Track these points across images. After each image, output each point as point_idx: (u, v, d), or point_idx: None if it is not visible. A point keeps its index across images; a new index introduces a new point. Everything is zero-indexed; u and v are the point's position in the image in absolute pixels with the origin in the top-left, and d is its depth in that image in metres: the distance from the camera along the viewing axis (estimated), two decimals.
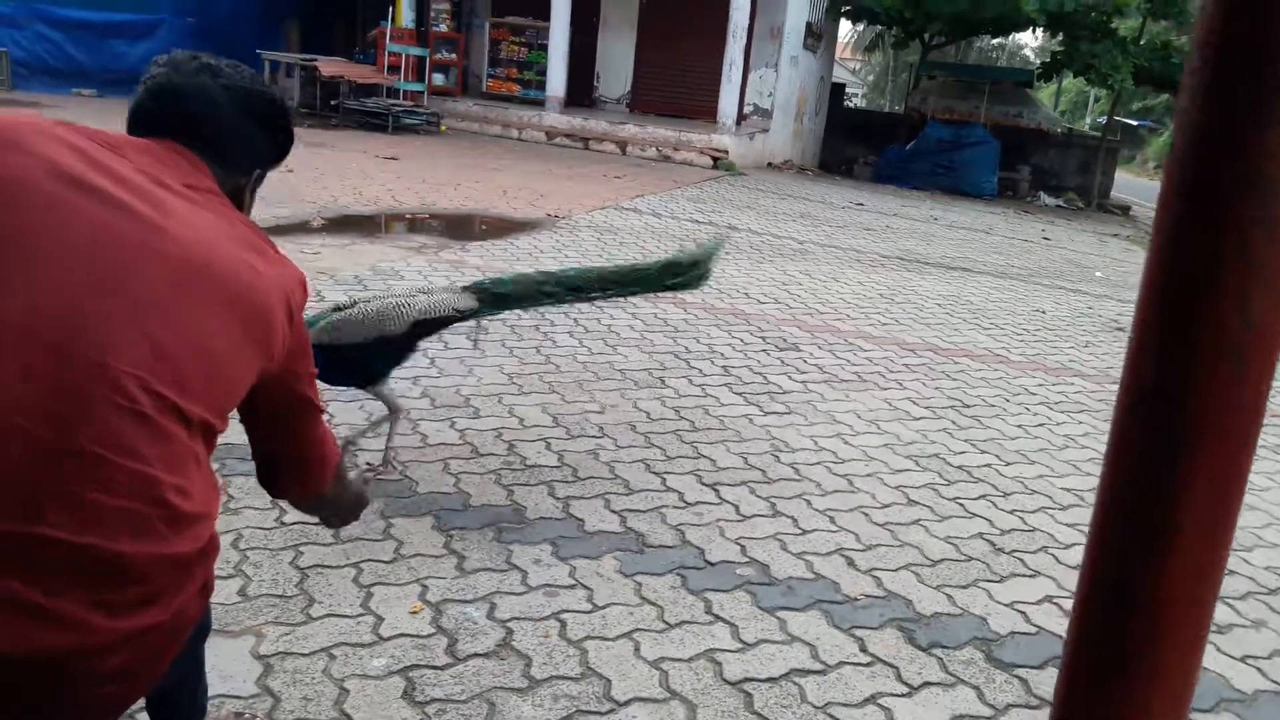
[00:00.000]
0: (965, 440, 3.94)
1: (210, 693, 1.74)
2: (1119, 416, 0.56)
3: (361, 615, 2.28)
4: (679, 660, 2.23)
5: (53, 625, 0.98)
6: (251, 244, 1.29)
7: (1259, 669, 2.53)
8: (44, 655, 0.98)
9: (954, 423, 4.14)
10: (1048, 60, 18.43)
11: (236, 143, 1.41)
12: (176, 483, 1.08)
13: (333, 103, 13.56)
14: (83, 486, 1.00)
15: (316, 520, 1.72)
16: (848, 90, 25.80)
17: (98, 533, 1.01)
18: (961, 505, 3.29)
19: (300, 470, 1.47)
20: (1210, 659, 2.53)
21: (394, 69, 14.17)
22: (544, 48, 14.92)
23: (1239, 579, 3.00)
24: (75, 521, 0.99)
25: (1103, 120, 22.01)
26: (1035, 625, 2.58)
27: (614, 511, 2.93)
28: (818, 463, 3.51)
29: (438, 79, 15.32)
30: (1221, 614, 2.75)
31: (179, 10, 13.81)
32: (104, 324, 1.05)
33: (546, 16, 14.45)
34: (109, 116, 10.27)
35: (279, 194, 7.44)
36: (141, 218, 1.14)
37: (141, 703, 1.61)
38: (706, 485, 3.20)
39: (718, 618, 2.42)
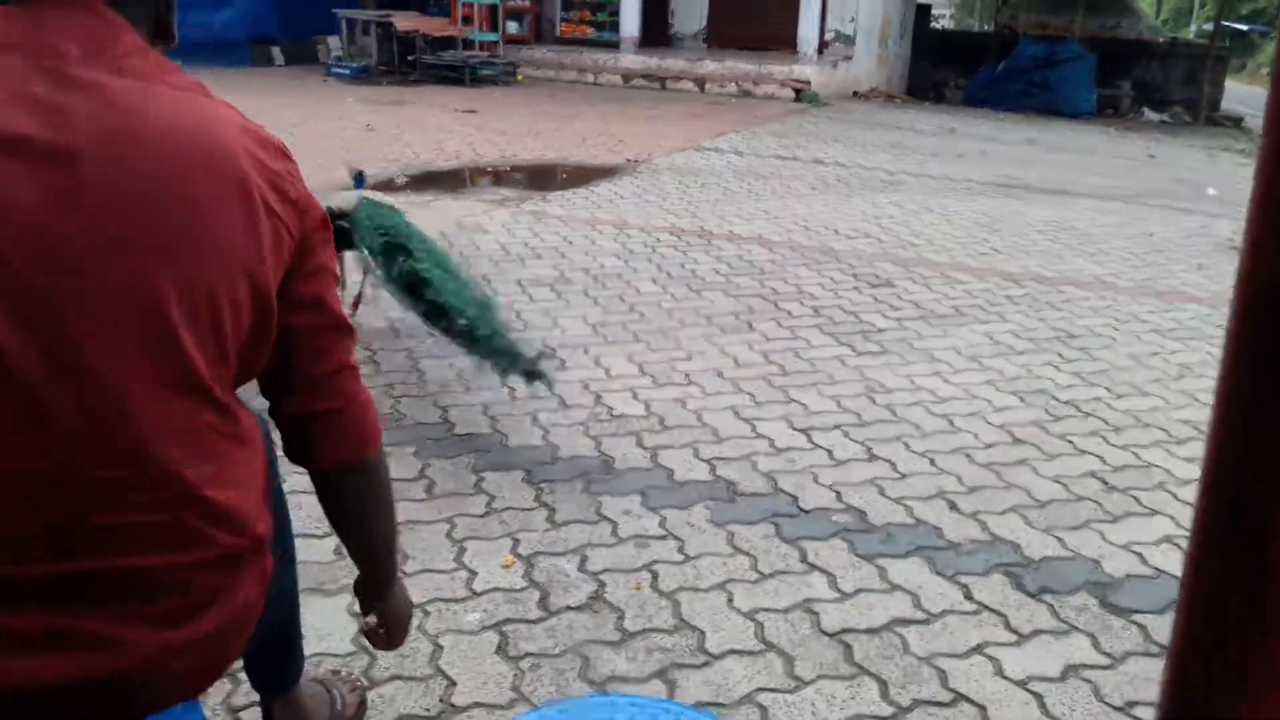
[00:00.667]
0: (1073, 373, 3.77)
1: (307, 651, 1.75)
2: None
3: (455, 570, 2.28)
4: (774, 611, 2.18)
5: (110, 649, 0.98)
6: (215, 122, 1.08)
7: None
8: (108, 677, 0.98)
9: (1060, 355, 3.96)
10: None
11: None
12: (209, 474, 1.03)
13: (410, 58, 13.60)
14: (104, 512, 0.97)
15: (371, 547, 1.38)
16: (934, 10, 24.83)
17: (132, 553, 0.98)
18: (1070, 442, 3.15)
19: (341, 418, 1.21)
20: None
21: (467, 20, 14.12)
22: None
23: None
24: (106, 549, 0.97)
25: (1209, 27, 20.75)
26: (1153, 567, 2.46)
27: (703, 460, 2.88)
28: (916, 403, 3.39)
29: (512, 27, 15.24)
30: None
31: None
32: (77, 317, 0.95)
33: None
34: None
35: (362, 153, 7.50)
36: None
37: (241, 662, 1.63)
38: (798, 430, 3.12)
39: (814, 567, 2.36)
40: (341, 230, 3.27)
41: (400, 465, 2.75)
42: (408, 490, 2.62)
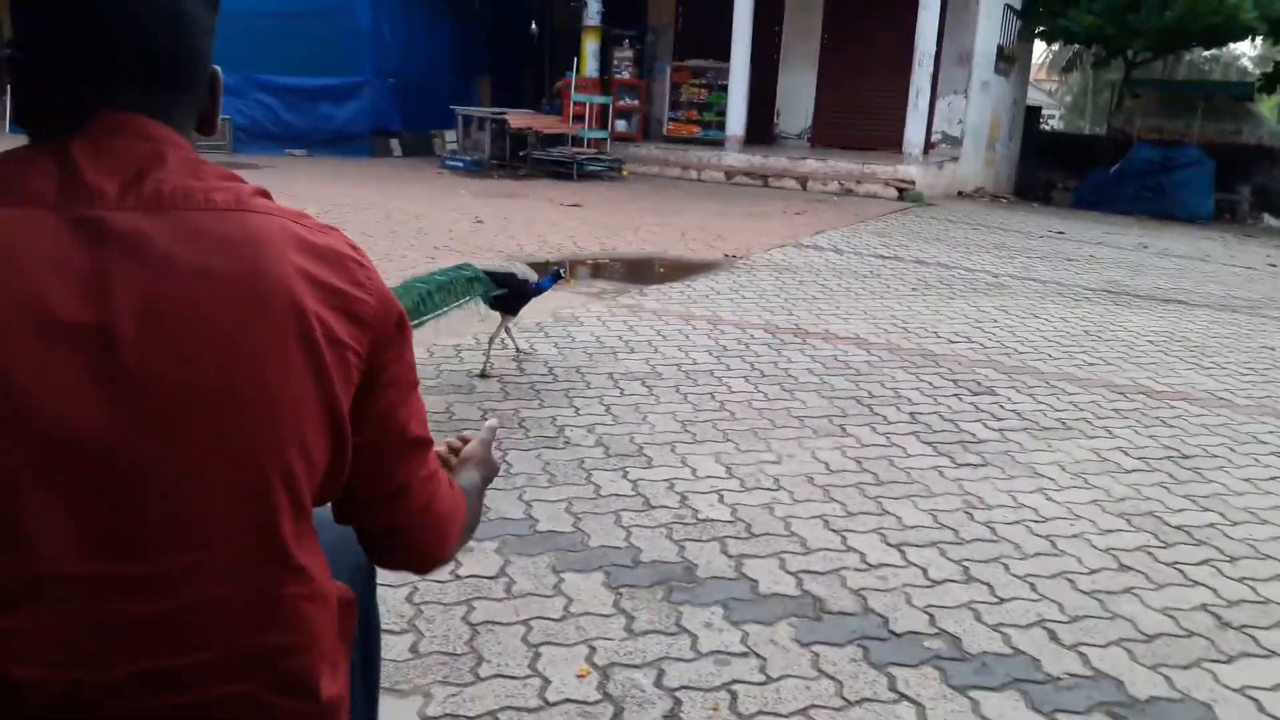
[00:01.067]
0: (1184, 496, 3.56)
1: None
2: None
3: (529, 677, 2.24)
4: None
5: None
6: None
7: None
8: None
9: (1171, 475, 3.76)
10: (1269, 70, 17.02)
11: (191, 54, 1.02)
12: (286, 643, 1.00)
13: (521, 153, 14.08)
14: (181, 691, 0.97)
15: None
16: (1044, 113, 24.65)
17: None
18: (1181, 571, 2.96)
19: (407, 537, 1.17)
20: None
21: (579, 118, 14.58)
22: (724, 88, 14.98)
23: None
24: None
25: None
26: (1270, 715, 2.26)
27: (789, 572, 2.80)
28: (1017, 521, 3.25)
29: (620, 125, 15.66)
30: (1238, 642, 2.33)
31: (380, 72, 14.70)
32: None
33: (727, 57, 14.52)
34: (316, 172, 10.98)
35: (468, 245, 7.73)
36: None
37: None
38: (891, 545, 3.01)
39: (903, 696, 2.24)
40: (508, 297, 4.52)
41: (481, 561, 2.74)
42: (487, 589, 2.60)
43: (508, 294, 4.52)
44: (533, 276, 4.64)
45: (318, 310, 0.97)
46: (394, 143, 15.14)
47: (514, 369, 4.56)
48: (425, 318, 4.07)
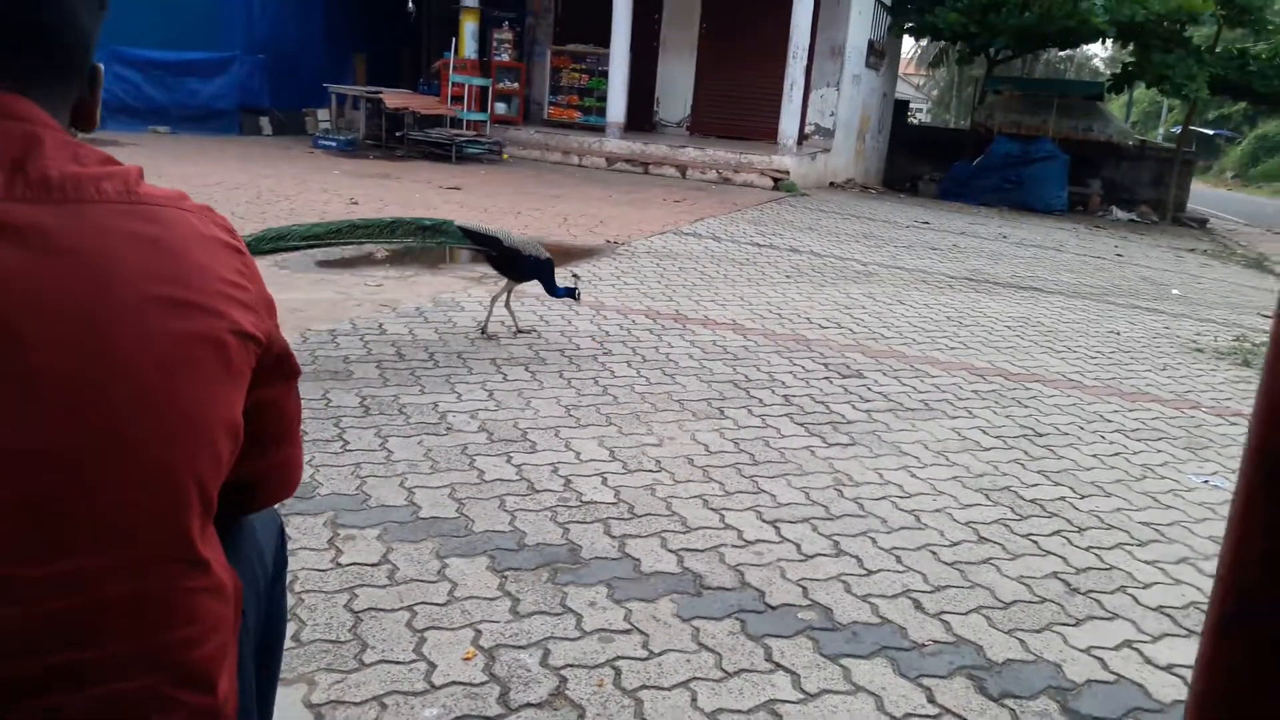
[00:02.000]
0: (1038, 472, 3.79)
1: None
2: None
3: (414, 661, 2.24)
4: (738, 712, 2.15)
5: None
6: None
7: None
8: None
9: (1026, 453, 3.99)
10: (1118, 71, 18.04)
11: (72, 35, 0.98)
12: (189, 635, 1.00)
13: (398, 134, 13.81)
14: (88, 687, 0.96)
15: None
16: (912, 107, 25.51)
17: None
18: (1035, 542, 3.15)
19: (281, 475, 1.25)
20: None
21: (457, 99, 14.38)
22: (604, 74, 15.02)
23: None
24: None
25: (1177, 130, 21.42)
26: (1113, 673, 2.45)
27: (671, 551, 2.87)
28: (883, 497, 3.40)
29: (500, 108, 15.52)
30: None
31: (250, 48, 14.21)
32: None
33: (607, 43, 14.55)
34: (182, 150, 10.52)
35: None
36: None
37: None
38: (766, 522, 3.11)
39: (779, 665, 2.34)
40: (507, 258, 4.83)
41: (363, 549, 2.71)
42: (369, 575, 2.59)
43: (497, 257, 4.85)
44: (532, 251, 4.85)
45: (224, 307, 0.98)
46: (264, 121, 14.64)
47: (392, 354, 4.51)
48: (330, 242, 4.57)
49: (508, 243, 4.84)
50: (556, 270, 5.00)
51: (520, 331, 5.04)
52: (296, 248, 4.45)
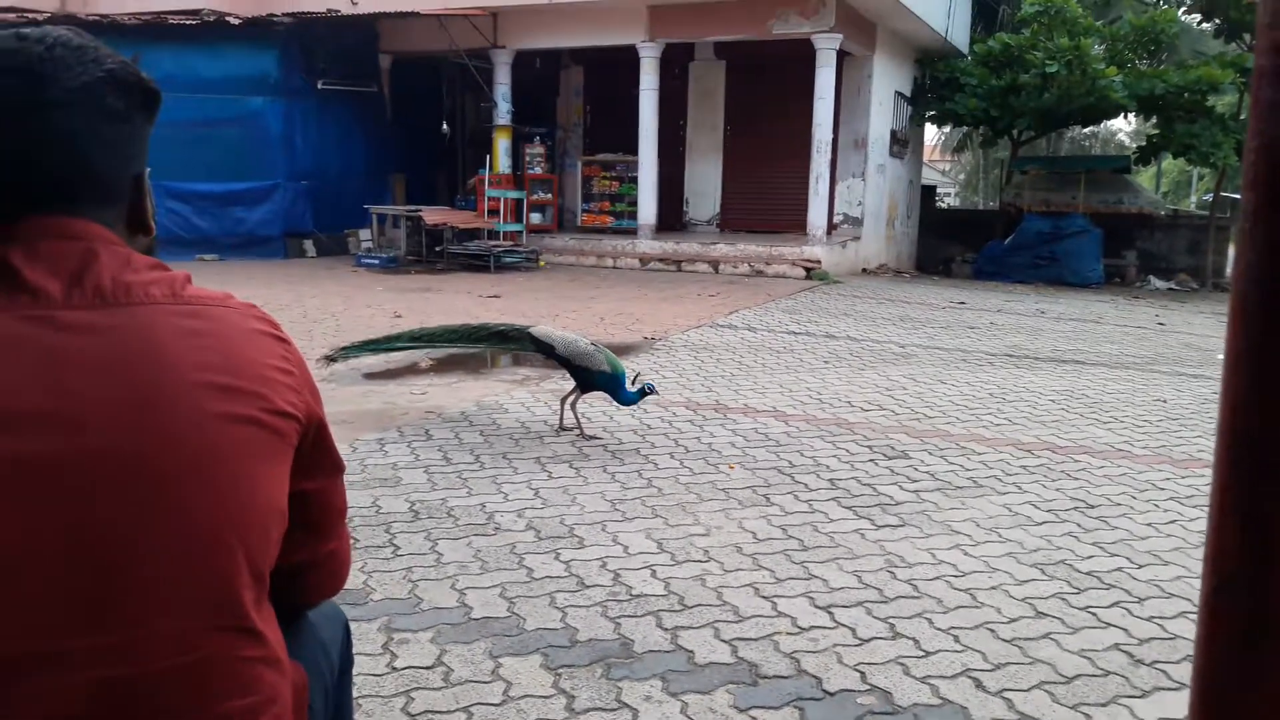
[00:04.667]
0: (1092, 544, 3.72)
1: None
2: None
3: None
4: None
5: None
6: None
7: None
8: None
9: (1079, 525, 3.92)
10: (1144, 144, 18.13)
11: (102, 159, 1.07)
12: (249, 705, 1.03)
13: (437, 249, 14.17)
14: None
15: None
16: (939, 191, 25.79)
17: None
18: (1094, 614, 3.08)
19: (330, 565, 1.30)
20: None
21: (493, 212, 14.77)
22: (634, 180, 15.37)
23: None
24: None
25: (1209, 198, 21.38)
26: None
27: (724, 641, 2.84)
28: (937, 577, 3.35)
29: (535, 218, 15.90)
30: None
31: (292, 175, 14.74)
32: None
33: (635, 151, 14.94)
34: (230, 275, 10.84)
35: None
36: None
37: None
38: (820, 608, 3.08)
39: None
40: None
41: (418, 652, 2.72)
42: (425, 678, 2.59)
43: (564, 363, 5.04)
44: (600, 364, 4.93)
45: (267, 391, 1.05)
46: (308, 243, 15.12)
47: (439, 458, 4.56)
48: (420, 346, 5.38)
49: (579, 360, 4.95)
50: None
51: (564, 429, 5.09)
52: (399, 349, 5.40)
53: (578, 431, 5.06)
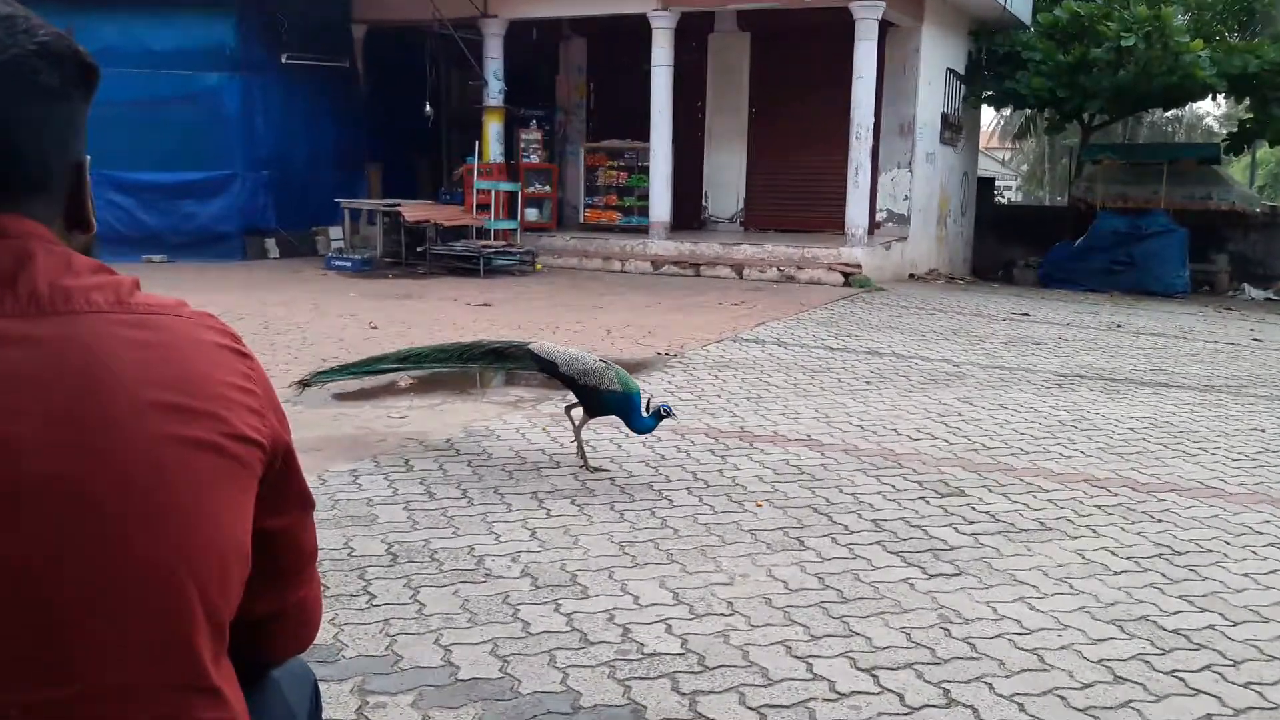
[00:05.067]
0: (1179, 596, 3.71)
1: None
2: None
3: None
4: None
5: None
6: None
7: None
8: None
9: (1164, 575, 3.91)
10: (1235, 130, 18.14)
11: (31, 144, 1.06)
12: None
13: (419, 249, 14.24)
14: None
15: None
16: (998, 184, 25.83)
17: None
18: (1181, 680, 3.07)
19: (298, 616, 1.32)
20: None
21: (483, 207, 14.84)
22: (645, 170, 15.44)
23: None
24: None
25: None
26: None
27: (751, 708, 2.83)
28: (999, 635, 3.34)
29: (531, 214, 15.97)
30: None
31: (252, 163, 14.85)
32: None
33: (646, 137, 14.99)
34: (181, 280, 10.84)
35: (362, 353, 7.74)
36: None
37: None
38: (862, 670, 3.07)
39: None
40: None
41: (397, 718, 2.72)
42: None
43: (568, 382, 5.03)
44: (610, 383, 4.92)
45: (226, 412, 1.05)
46: (270, 242, 15.21)
47: (420, 493, 4.58)
48: (393, 368, 5.58)
49: (585, 379, 4.95)
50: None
51: (591, 467, 5.05)
52: (384, 372, 5.53)
53: (580, 463, 5.07)
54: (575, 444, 5.10)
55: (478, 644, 3.16)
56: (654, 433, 5.19)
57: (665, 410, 4.94)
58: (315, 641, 1.49)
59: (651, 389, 6.89)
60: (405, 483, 4.72)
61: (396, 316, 9.79)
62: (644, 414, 4.93)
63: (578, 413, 5.10)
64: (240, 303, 10.14)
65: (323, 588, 1.38)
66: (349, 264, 14.00)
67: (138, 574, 0.99)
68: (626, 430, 5.13)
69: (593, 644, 3.19)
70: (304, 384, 5.42)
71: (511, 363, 5.33)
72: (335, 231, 15.28)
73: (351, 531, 4.08)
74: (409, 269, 14.00)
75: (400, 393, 6.68)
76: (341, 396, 6.53)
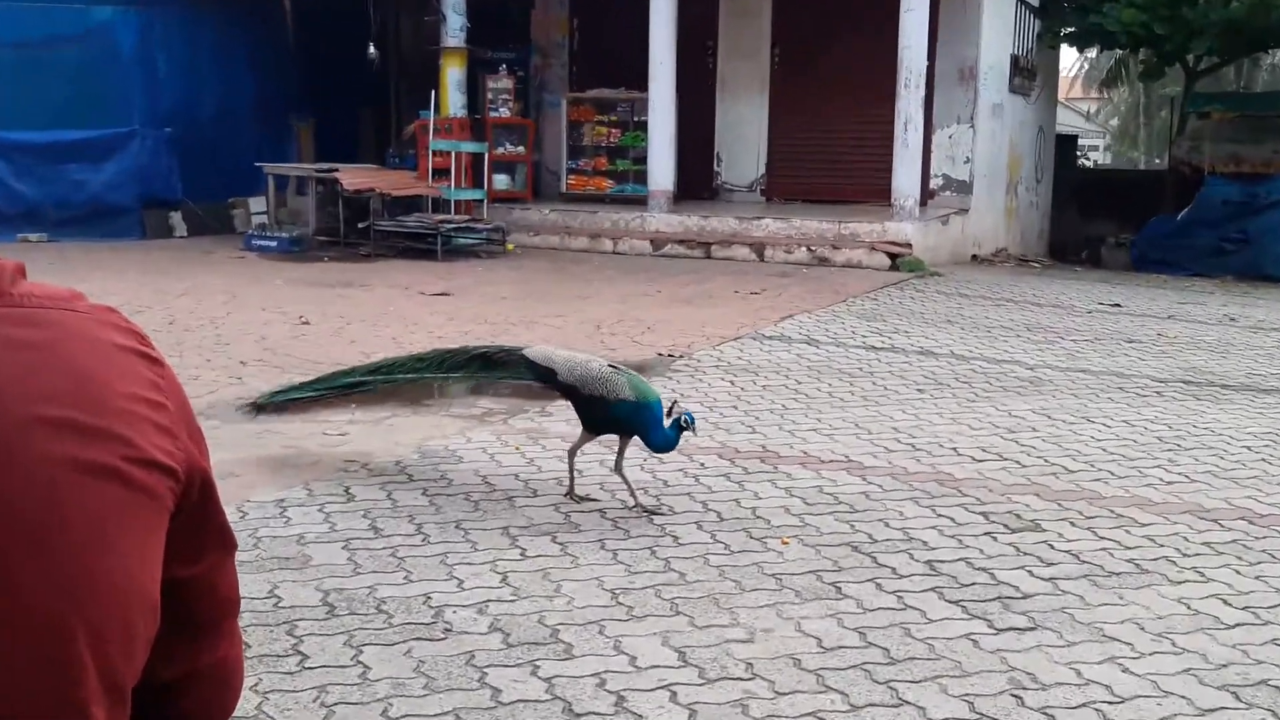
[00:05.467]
0: None
1: None
2: None
3: None
4: None
5: None
6: None
7: None
8: None
9: None
10: None
11: None
12: None
13: (361, 225, 14.22)
14: None
15: None
16: (1082, 143, 25.85)
17: None
18: None
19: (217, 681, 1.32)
20: None
21: (441, 173, 14.80)
22: (642, 127, 15.44)
23: None
24: None
25: None
26: None
27: None
28: (1084, 704, 3.35)
29: (500, 182, 15.96)
30: None
31: (153, 118, 14.80)
32: None
33: (644, 85, 14.97)
34: (65, 264, 10.86)
35: (290, 355, 7.75)
36: None
37: None
38: None
39: None
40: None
41: None
42: None
43: (569, 393, 5.08)
44: (612, 390, 4.91)
45: (129, 431, 1.04)
46: (175, 217, 15.20)
47: (364, 528, 4.58)
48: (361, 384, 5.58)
49: (590, 387, 4.95)
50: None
51: (576, 497, 5.06)
52: (350, 389, 5.53)
53: (565, 490, 5.07)
54: (567, 466, 5.11)
55: (435, 716, 3.16)
56: (654, 455, 5.21)
57: (688, 421, 4.90)
58: (236, 713, 1.49)
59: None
60: (345, 516, 4.72)
61: (333, 310, 9.78)
62: (665, 430, 4.88)
63: (580, 436, 5.10)
64: (138, 292, 10.13)
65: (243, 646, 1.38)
66: (274, 244, 14.00)
67: (18, 623, 0.99)
68: (646, 449, 5.14)
69: (579, 716, 3.19)
70: (257, 407, 5.43)
71: (502, 371, 5.36)
72: (257, 203, 15.27)
73: (279, 576, 4.08)
74: (349, 250, 13.99)
75: (337, 404, 6.67)
76: (263, 407, 6.52)
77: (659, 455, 5.28)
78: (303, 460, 5.49)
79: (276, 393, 5.54)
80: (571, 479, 5.09)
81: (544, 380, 5.13)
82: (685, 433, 4.92)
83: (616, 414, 4.94)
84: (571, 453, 5.09)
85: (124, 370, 1.09)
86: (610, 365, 5.08)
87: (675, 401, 5.05)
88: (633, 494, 4.96)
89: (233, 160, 15.38)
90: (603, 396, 4.92)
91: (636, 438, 4.97)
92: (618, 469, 4.99)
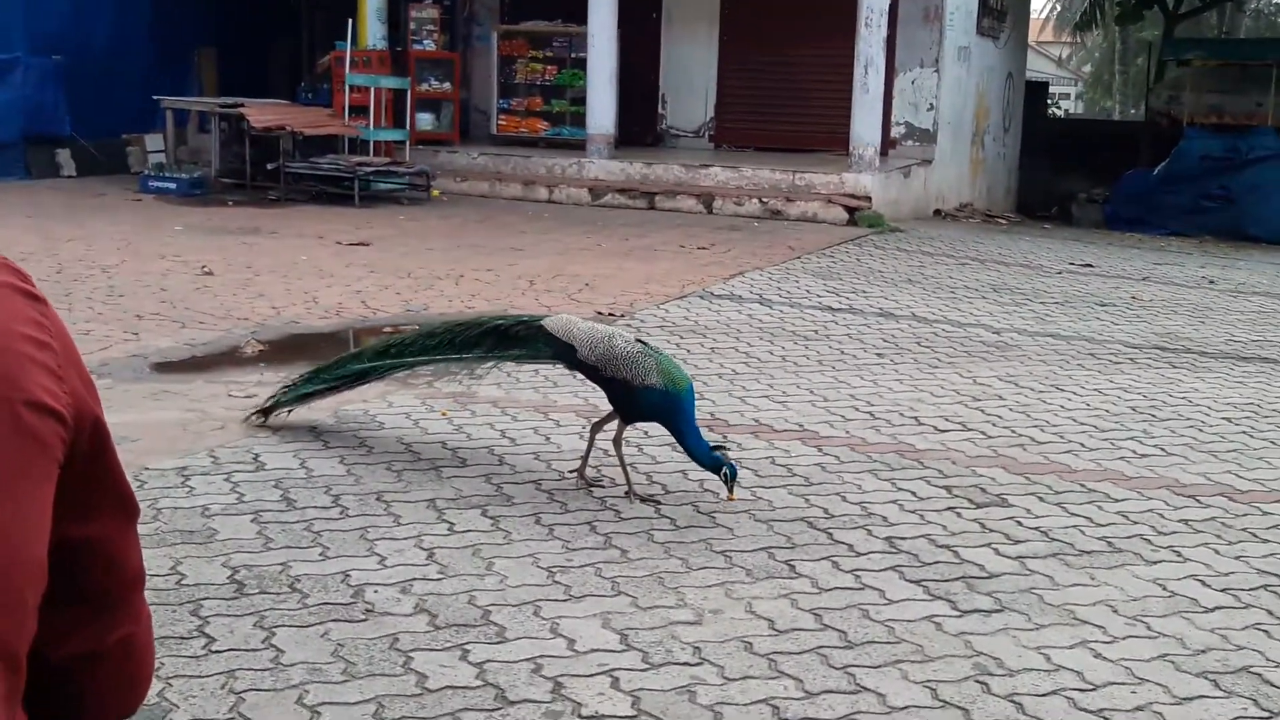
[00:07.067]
0: None
1: None
2: None
3: None
4: None
5: None
6: None
7: None
8: None
9: (1271, 613, 3.98)
10: None
11: None
12: None
13: (270, 166, 14.07)
14: None
15: None
16: (1053, 91, 26.01)
17: None
18: None
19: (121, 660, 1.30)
20: None
21: (359, 111, 14.68)
22: (581, 64, 15.36)
23: None
24: None
25: None
26: None
27: None
28: (1053, 691, 3.39)
29: (425, 121, 15.84)
30: None
31: (36, 45, 14.55)
32: None
33: (582, 18, 14.89)
34: None
35: (192, 308, 7.66)
36: None
37: None
38: None
39: None
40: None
41: None
42: None
43: (591, 373, 4.91)
44: (636, 373, 4.67)
45: (13, 370, 1.02)
46: (63, 155, 14.98)
47: (276, 499, 4.54)
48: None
49: (612, 368, 4.72)
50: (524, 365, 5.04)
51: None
52: (361, 375, 5.40)
53: (626, 489, 4.81)
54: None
55: (356, 704, 3.15)
56: (593, 420, 5.19)
57: (728, 475, 4.56)
58: None
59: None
60: (254, 486, 4.68)
61: (239, 259, 9.67)
62: (703, 438, 4.69)
63: (605, 416, 4.92)
64: (21, 237, 9.98)
65: None
66: (173, 185, 13.83)
67: None
68: (514, 404, 5.11)
69: (513, 703, 3.19)
70: (265, 412, 5.30)
71: (519, 349, 5.06)
72: (154, 141, 15.08)
73: (181, 552, 4.04)
74: (256, 194, 13.85)
75: (244, 362, 6.61)
76: (162, 366, 6.45)
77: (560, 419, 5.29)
78: (206, 424, 5.43)
79: (282, 395, 5.34)
80: (627, 475, 4.81)
81: (563, 359, 4.93)
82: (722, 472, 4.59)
83: (642, 402, 4.72)
84: (616, 443, 4.82)
85: (6, 308, 1.07)
86: (639, 341, 4.84)
87: (724, 447, 4.80)
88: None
89: (127, 93, 15.20)
90: (626, 380, 4.71)
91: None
92: (591, 436, 4.92)
